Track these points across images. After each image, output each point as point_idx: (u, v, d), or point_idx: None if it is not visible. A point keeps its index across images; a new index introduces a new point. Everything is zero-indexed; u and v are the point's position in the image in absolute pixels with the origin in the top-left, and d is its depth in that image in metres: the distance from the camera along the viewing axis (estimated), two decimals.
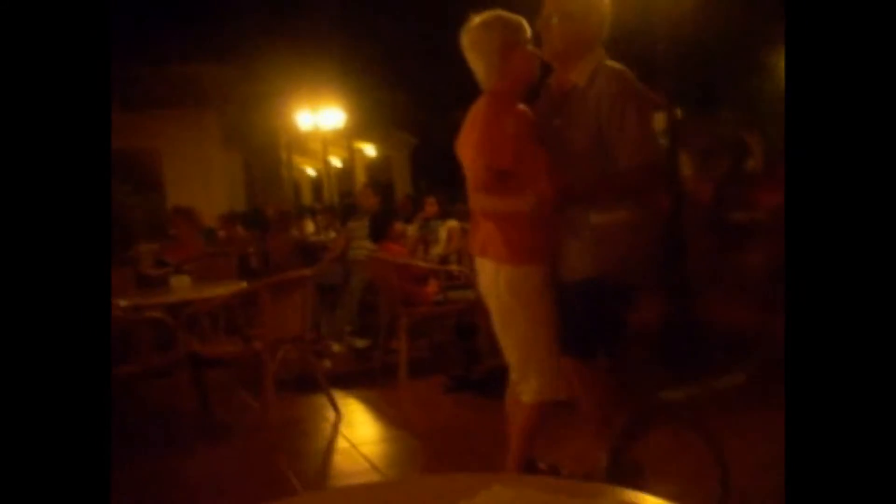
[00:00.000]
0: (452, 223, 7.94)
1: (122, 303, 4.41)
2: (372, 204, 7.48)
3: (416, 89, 16.91)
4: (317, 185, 24.56)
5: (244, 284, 5.11)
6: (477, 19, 2.78)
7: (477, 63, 2.79)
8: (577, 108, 2.73)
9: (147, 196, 13.87)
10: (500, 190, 2.69)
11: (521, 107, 2.84)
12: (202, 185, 14.00)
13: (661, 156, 2.99)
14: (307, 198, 24.15)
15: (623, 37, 3.17)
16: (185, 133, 14.32)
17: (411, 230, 8.14)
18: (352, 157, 19.11)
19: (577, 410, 2.94)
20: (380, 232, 6.47)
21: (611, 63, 2.78)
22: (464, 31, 2.80)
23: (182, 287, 4.87)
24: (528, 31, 2.80)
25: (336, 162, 20.85)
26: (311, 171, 24.68)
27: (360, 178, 18.47)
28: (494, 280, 2.79)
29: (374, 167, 21.69)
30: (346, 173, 20.45)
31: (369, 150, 21.38)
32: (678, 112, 5.85)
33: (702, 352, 4.76)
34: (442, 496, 0.80)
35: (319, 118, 14.51)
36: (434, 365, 5.76)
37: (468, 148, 2.75)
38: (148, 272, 6.31)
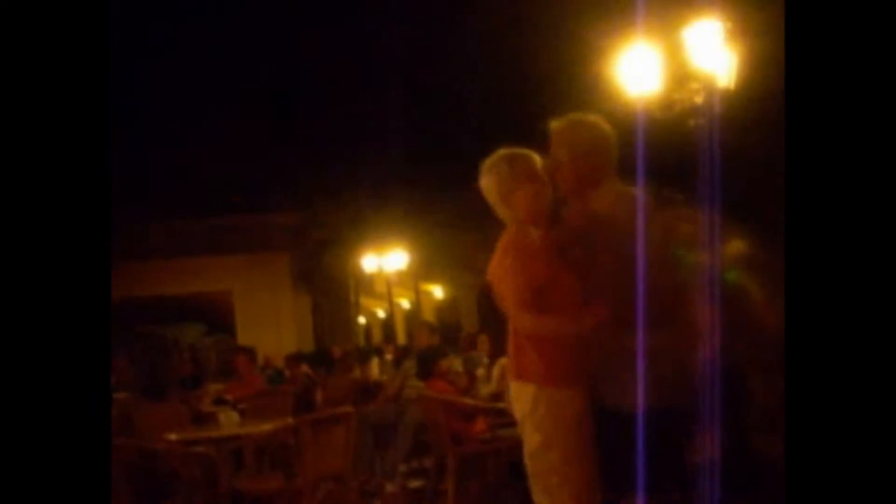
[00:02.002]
0: (505, 360, 7.89)
1: (172, 437, 4.52)
2: (427, 342, 7.57)
3: (478, 230, 17.18)
4: (387, 326, 24.85)
5: (290, 421, 5.18)
6: (487, 162, 2.86)
7: (491, 201, 2.87)
8: (601, 236, 2.74)
9: (219, 337, 14.32)
10: (543, 309, 2.68)
11: (543, 233, 2.85)
12: (272, 327, 14.38)
13: (693, 274, 2.97)
14: (377, 339, 24.40)
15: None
16: (257, 276, 14.90)
17: (456, 364, 8.12)
18: (418, 298, 19.39)
19: None
20: (427, 370, 6.51)
21: (627, 188, 2.83)
22: (481, 167, 2.88)
23: (229, 423, 4.96)
24: (538, 163, 2.84)
25: (404, 303, 21.17)
26: (381, 313, 25.05)
27: (428, 319, 18.65)
28: (533, 405, 2.71)
29: (441, 308, 21.91)
30: (414, 314, 20.69)
31: (436, 291, 21.68)
32: (735, 243, 5.84)
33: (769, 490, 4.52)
34: None
35: (384, 260, 14.92)
36: None
37: (503, 272, 2.77)
38: (204, 409, 6.45)
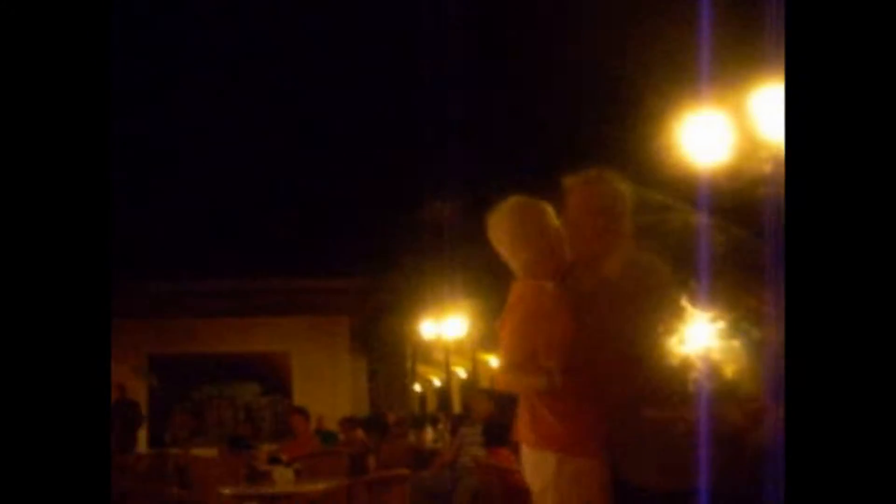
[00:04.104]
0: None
1: (227, 491, 4.51)
2: (484, 410, 7.45)
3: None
4: (442, 395, 24.64)
5: (345, 481, 5.13)
6: (498, 208, 2.76)
7: (501, 251, 2.76)
8: (612, 303, 2.63)
9: (275, 398, 14.36)
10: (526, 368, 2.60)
11: (556, 291, 2.70)
12: (329, 389, 14.38)
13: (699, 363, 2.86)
14: (431, 405, 24.18)
15: None
16: (315, 339, 14.99)
17: None
18: (475, 367, 19.22)
19: None
20: (495, 438, 6.37)
21: (644, 254, 2.74)
22: (489, 216, 2.77)
23: (283, 480, 4.93)
24: (552, 215, 2.74)
25: (461, 373, 21.01)
26: (437, 381, 24.88)
27: (482, 387, 18.48)
28: (557, 474, 2.58)
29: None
30: (471, 384, 20.49)
31: (493, 361, 21.48)
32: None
33: None
34: None
35: (443, 327, 14.88)
36: None
37: (508, 327, 2.69)
38: (258, 467, 6.44)
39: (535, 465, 2.68)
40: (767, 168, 5.12)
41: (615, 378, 2.59)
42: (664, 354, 2.59)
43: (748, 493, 3.98)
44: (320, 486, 4.81)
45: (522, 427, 2.71)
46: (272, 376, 14.72)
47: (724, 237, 2.91)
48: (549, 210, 2.78)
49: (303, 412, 8.15)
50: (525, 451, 2.74)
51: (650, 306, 2.59)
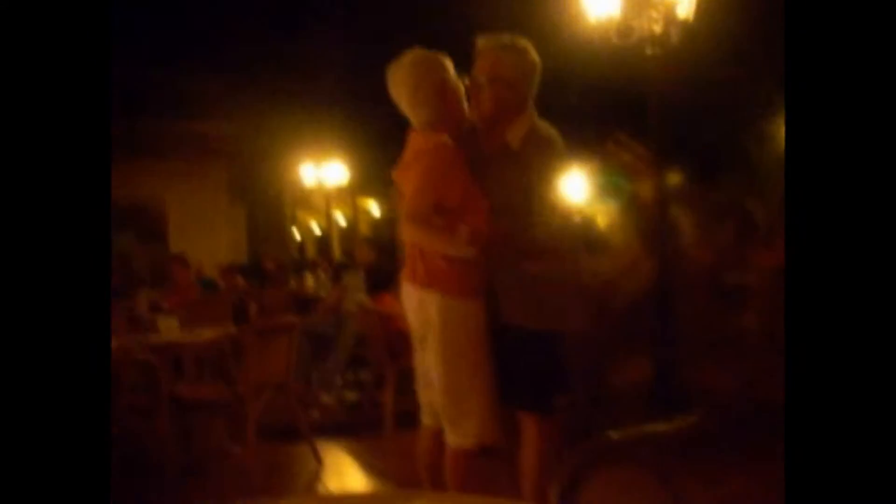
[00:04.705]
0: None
1: (112, 344, 4.44)
2: (368, 258, 7.55)
3: None
4: (321, 241, 24.71)
5: (232, 329, 5.15)
6: (396, 61, 2.77)
7: (400, 100, 2.77)
8: (509, 169, 2.70)
9: (150, 245, 13.97)
10: (437, 224, 2.65)
11: (456, 149, 2.75)
12: (206, 236, 14.10)
13: (576, 219, 3.05)
14: (311, 252, 24.28)
15: (612, 95, 3.24)
16: (191, 184, 14.49)
17: None
18: (356, 214, 19.27)
19: (511, 463, 2.85)
20: (378, 284, 6.50)
21: (542, 124, 2.78)
22: (388, 69, 2.77)
23: (170, 329, 4.90)
24: (450, 69, 2.77)
25: (340, 219, 21.03)
26: (316, 229, 24.87)
27: (365, 235, 18.61)
28: (439, 314, 2.68)
29: (378, 225, 21.85)
30: (351, 231, 20.61)
31: (374, 208, 21.58)
32: (673, 176, 5.95)
33: (680, 411, 4.73)
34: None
35: (323, 173, 14.70)
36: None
37: (411, 178, 2.71)
38: (140, 315, 6.35)
39: (419, 303, 2.74)
40: (657, 28, 5.18)
41: (501, 239, 2.68)
42: (548, 213, 2.69)
43: (617, 336, 4.31)
44: (207, 334, 4.81)
45: (409, 266, 2.77)
46: (147, 223, 14.24)
47: (609, 96, 3.00)
48: (449, 64, 2.77)
49: (182, 260, 7.97)
50: (409, 290, 2.79)
51: (545, 178, 2.66)
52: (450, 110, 2.77)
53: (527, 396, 2.76)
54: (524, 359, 2.72)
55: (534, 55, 2.78)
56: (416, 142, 2.79)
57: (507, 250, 2.69)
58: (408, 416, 5.62)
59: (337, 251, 17.80)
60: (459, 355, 2.69)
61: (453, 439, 2.75)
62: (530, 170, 2.66)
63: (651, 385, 5.12)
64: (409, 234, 2.71)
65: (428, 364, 2.78)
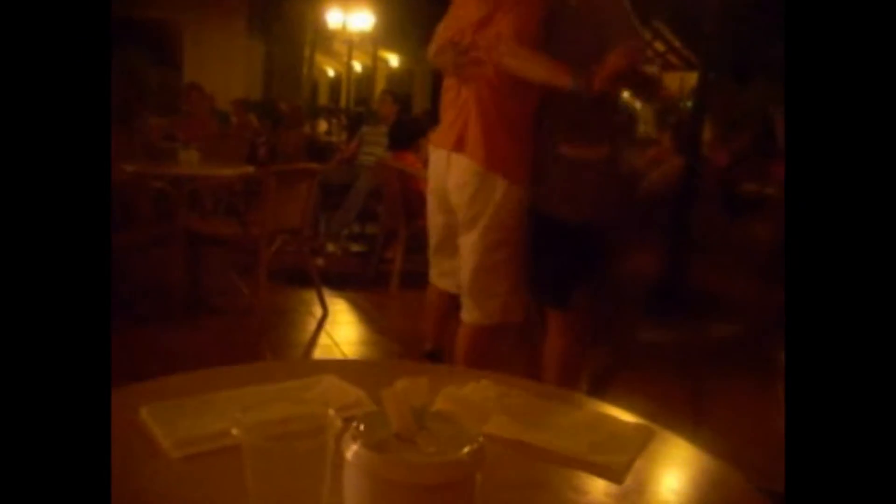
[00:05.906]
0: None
1: (129, 168, 4.38)
2: (389, 112, 7.40)
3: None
4: (335, 86, 24.23)
5: (251, 169, 5.08)
6: None
7: None
8: (570, 28, 2.60)
9: (164, 70, 13.62)
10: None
11: None
12: (221, 69, 13.74)
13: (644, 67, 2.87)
14: (323, 98, 23.87)
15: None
16: (211, 12, 14.00)
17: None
18: (374, 64, 18.79)
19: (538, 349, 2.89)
20: (402, 141, 6.34)
21: None
22: None
23: (190, 161, 4.82)
24: None
25: (357, 67, 20.53)
26: (331, 73, 24.32)
27: (380, 86, 18.22)
28: (503, 198, 2.65)
29: (395, 78, 21.37)
30: (367, 80, 20.16)
31: (393, 60, 21.03)
32: (711, 75, 5.75)
33: (692, 313, 4.78)
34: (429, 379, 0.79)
35: (349, 18, 14.22)
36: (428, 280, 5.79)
37: (506, 18, 2.58)
38: (157, 144, 6.25)
39: (481, 183, 2.65)
40: None
41: (554, 105, 2.61)
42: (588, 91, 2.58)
43: (635, 227, 4.27)
44: (227, 170, 4.74)
45: (472, 144, 2.66)
46: (162, 47, 13.84)
47: None
48: None
49: (199, 88, 7.75)
50: (467, 165, 2.68)
51: (607, 32, 2.53)
52: None
53: (547, 293, 2.77)
54: (550, 252, 2.70)
55: None
56: None
57: (553, 128, 2.61)
58: (412, 276, 5.71)
59: (352, 101, 17.45)
60: (503, 241, 2.69)
61: (475, 316, 2.76)
62: (585, 28, 2.56)
63: (664, 284, 5.15)
64: (513, 58, 2.56)
65: (470, 241, 2.73)
